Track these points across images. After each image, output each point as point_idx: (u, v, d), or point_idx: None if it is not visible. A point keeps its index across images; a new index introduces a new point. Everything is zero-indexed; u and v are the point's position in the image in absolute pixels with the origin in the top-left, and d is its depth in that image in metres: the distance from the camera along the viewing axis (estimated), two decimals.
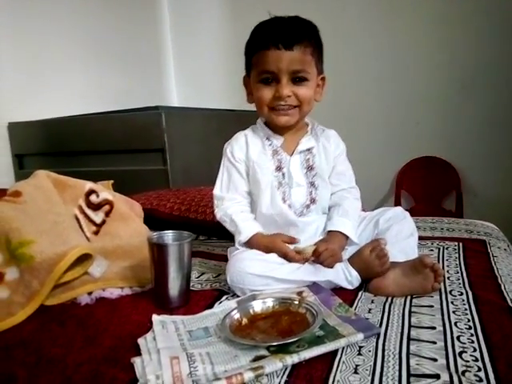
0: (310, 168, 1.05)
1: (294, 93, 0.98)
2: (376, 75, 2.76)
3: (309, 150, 1.06)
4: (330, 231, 1.02)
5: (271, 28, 0.97)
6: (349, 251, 1.02)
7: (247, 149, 1.05)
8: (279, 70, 0.96)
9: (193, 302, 0.92)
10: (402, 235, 1.01)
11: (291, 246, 0.99)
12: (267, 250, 0.97)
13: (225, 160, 1.07)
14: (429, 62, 2.63)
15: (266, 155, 1.04)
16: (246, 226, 1.01)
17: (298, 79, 0.98)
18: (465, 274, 1.00)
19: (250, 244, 1.00)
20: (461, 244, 1.22)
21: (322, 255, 0.94)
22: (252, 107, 1.07)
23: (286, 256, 0.96)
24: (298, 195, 1.04)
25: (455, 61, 2.57)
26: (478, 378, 0.60)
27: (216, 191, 1.07)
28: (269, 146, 1.05)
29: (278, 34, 0.95)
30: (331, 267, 0.94)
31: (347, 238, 1.01)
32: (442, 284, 0.91)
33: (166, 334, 0.75)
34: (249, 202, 1.07)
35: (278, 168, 1.04)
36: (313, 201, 1.05)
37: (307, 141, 1.06)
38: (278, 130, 1.05)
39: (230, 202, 1.05)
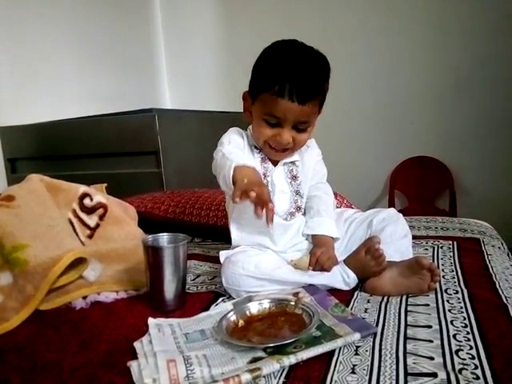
0: (293, 177, 1.07)
1: (293, 138, 0.99)
2: (370, 75, 2.78)
3: (292, 162, 1.08)
4: (313, 236, 1.04)
5: (290, 73, 0.92)
6: (340, 251, 1.03)
7: (244, 143, 1.06)
8: (286, 119, 0.95)
9: (189, 304, 0.91)
10: (396, 236, 1.01)
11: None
12: (245, 179, 0.85)
13: (222, 143, 1.03)
14: (423, 63, 2.65)
15: (255, 160, 1.05)
16: (236, 157, 0.92)
17: (300, 128, 0.98)
18: (460, 273, 1.01)
19: (237, 172, 0.88)
20: (455, 243, 1.23)
21: (320, 259, 0.95)
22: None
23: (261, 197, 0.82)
24: (282, 203, 1.05)
25: (449, 61, 2.59)
26: (474, 376, 0.60)
27: (222, 140, 1.04)
28: (257, 154, 1.06)
29: (296, 86, 0.91)
30: (329, 270, 0.95)
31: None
32: (437, 283, 0.91)
33: (162, 337, 0.74)
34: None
35: (264, 175, 1.04)
36: (298, 208, 1.07)
37: (291, 155, 1.07)
38: None
39: (231, 146, 1.01)
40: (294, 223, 1.06)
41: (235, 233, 1.05)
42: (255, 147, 1.07)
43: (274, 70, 0.94)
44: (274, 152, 1.02)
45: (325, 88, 0.99)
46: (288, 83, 0.92)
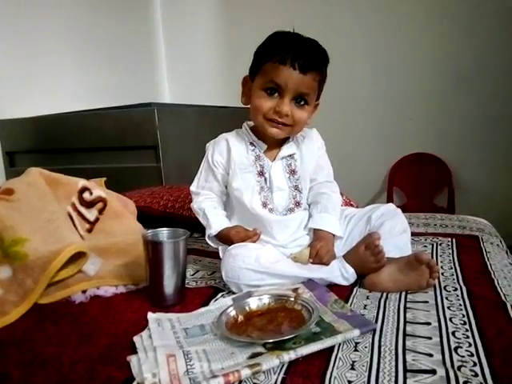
0: (292, 172, 1.07)
1: (292, 113, 0.99)
2: (369, 71, 2.77)
3: (290, 155, 1.07)
4: (315, 230, 1.04)
5: (292, 45, 0.97)
6: (339, 247, 1.03)
7: (228, 153, 1.06)
8: (286, 87, 0.96)
9: (188, 299, 0.91)
10: (394, 231, 1.02)
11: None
12: (232, 239, 1.00)
13: (205, 161, 1.10)
14: (422, 58, 2.65)
15: (248, 160, 1.05)
16: (216, 221, 1.04)
17: (300, 100, 0.99)
18: (459, 270, 1.01)
19: (218, 237, 1.05)
20: (454, 240, 1.23)
21: (319, 252, 0.96)
22: (243, 105, 1.07)
23: (246, 237, 0.99)
24: (280, 199, 1.05)
25: (448, 57, 2.59)
26: (473, 373, 0.60)
27: (192, 187, 1.11)
28: (252, 152, 1.06)
29: (299, 55, 0.95)
30: (328, 264, 0.95)
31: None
32: (436, 280, 0.91)
33: (161, 332, 0.74)
34: (222, 200, 1.11)
35: (261, 173, 1.05)
36: (297, 204, 1.07)
37: (289, 147, 1.07)
38: (263, 137, 1.06)
39: (203, 197, 1.09)
40: (295, 218, 1.06)
41: None
42: (251, 143, 1.07)
43: (276, 42, 0.99)
44: (273, 126, 1.00)
45: (324, 70, 1.01)
46: (291, 52, 0.95)
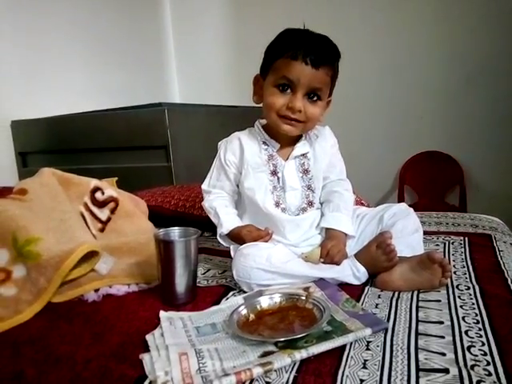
0: (305, 172, 1.06)
1: (304, 109, 0.98)
2: (378, 69, 2.76)
3: (303, 155, 1.07)
4: (326, 229, 1.03)
5: (304, 41, 0.97)
6: (351, 247, 1.03)
7: (241, 152, 1.05)
8: (299, 83, 0.96)
9: (199, 298, 0.92)
10: (407, 231, 1.01)
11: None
12: (244, 239, 1.00)
13: (217, 160, 1.10)
14: (433, 56, 2.62)
15: (261, 159, 1.05)
16: (227, 220, 1.04)
17: (312, 95, 0.98)
18: (471, 269, 1.00)
19: (229, 236, 1.04)
20: (466, 238, 1.22)
21: (330, 252, 0.96)
22: (255, 104, 1.07)
23: (258, 237, 0.99)
24: (293, 199, 1.05)
25: (459, 54, 2.56)
26: (487, 372, 0.60)
27: (204, 186, 1.12)
28: (265, 151, 1.06)
29: (310, 50, 0.95)
30: (339, 264, 0.95)
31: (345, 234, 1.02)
32: (448, 279, 0.90)
33: (173, 330, 0.75)
34: (233, 199, 1.11)
35: (274, 172, 1.05)
36: (310, 203, 1.06)
37: (302, 146, 1.07)
38: (275, 135, 1.06)
39: (215, 196, 1.09)
40: (307, 218, 1.05)
41: None
42: (264, 142, 1.06)
43: (287, 38, 0.99)
44: (286, 123, 1.00)
45: (336, 65, 1.01)
46: (302, 48, 0.95)
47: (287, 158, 1.06)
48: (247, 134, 1.08)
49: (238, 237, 1.02)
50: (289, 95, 0.98)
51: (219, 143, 1.11)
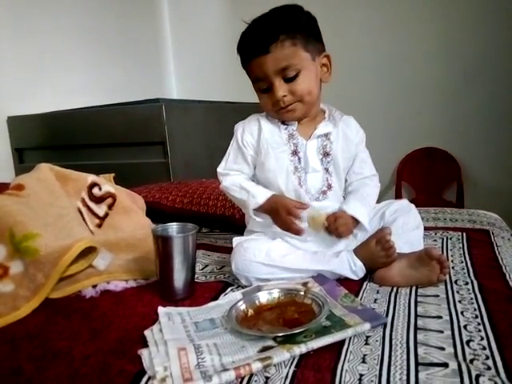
0: (326, 154, 1.03)
1: (289, 91, 0.96)
2: (377, 65, 2.75)
3: (326, 135, 1.03)
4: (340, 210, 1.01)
5: (246, 38, 0.99)
6: (358, 238, 1.01)
7: (260, 132, 1.02)
8: (266, 75, 0.95)
9: (198, 293, 0.92)
10: (407, 227, 1.01)
11: (304, 212, 0.96)
12: (276, 209, 0.95)
13: (234, 142, 1.05)
14: (431, 52, 2.62)
15: (281, 138, 1.02)
16: (259, 190, 0.99)
17: (289, 76, 0.95)
18: (469, 264, 1.00)
19: (264, 207, 0.98)
20: (464, 234, 1.23)
21: (337, 221, 0.94)
22: (252, 99, 1.07)
23: (289, 212, 0.93)
24: (314, 181, 1.02)
25: (457, 51, 2.56)
26: (486, 366, 0.60)
27: (220, 169, 1.05)
28: (284, 130, 1.02)
29: (252, 43, 0.96)
30: (343, 237, 0.94)
31: (358, 223, 0.99)
32: (447, 275, 0.90)
33: (172, 326, 0.75)
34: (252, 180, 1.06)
35: (294, 152, 1.01)
36: (329, 187, 1.03)
37: (325, 126, 1.03)
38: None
39: (236, 174, 1.04)
40: (329, 207, 1.01)
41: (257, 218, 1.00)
42: (282, 122, 1.03)
43: (240, 45, 1.01)
44: (284, 113, 0.99)
45: (291, 26, 0.95)
46: (247, 45, 0.98)
47: (309, 138, 1.03)
48: (265, 115, 1.05)
49: (273, 207, 0.96)
50: (271, 91, 0.97)
51: (236, 126, 1.06)
